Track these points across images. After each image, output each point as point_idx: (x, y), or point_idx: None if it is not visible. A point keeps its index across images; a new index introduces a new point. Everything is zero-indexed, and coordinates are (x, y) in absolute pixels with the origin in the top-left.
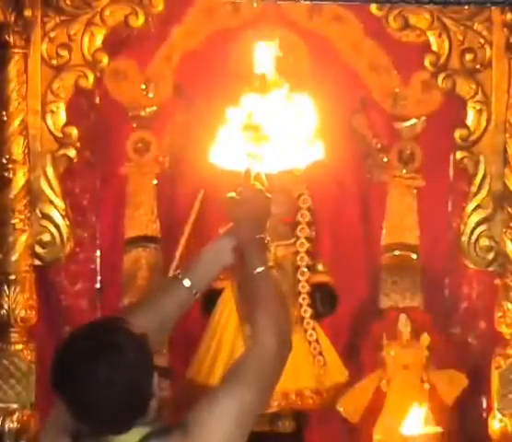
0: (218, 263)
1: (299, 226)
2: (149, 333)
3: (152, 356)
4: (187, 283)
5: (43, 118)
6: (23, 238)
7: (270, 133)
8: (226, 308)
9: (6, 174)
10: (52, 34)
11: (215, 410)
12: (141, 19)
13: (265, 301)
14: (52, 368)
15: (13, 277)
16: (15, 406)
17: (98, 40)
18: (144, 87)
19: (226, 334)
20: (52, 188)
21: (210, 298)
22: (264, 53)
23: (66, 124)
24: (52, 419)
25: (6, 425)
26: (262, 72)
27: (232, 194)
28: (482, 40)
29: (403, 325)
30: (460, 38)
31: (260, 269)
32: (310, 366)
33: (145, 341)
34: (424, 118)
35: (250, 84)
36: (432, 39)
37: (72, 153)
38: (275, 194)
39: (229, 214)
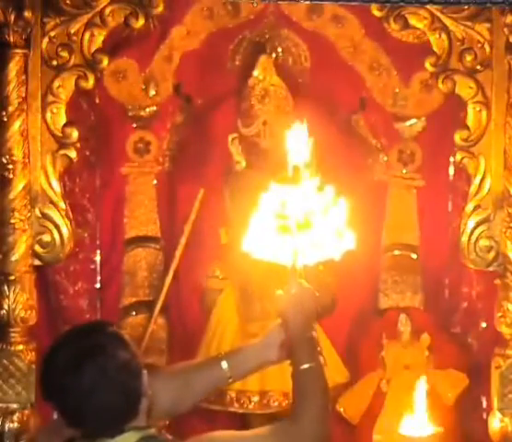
0: (262, 358)
1: None
2: (172, 400)
3: (137, 356)
4: (224, 365)
5: (43, 118)
6: (23, 238)
7: (305, 224)
8: (227, 307)
9: (6, 174)
10: (52, 34)
11: None
12: (141, 19)
13: (313, 396)
14: (39, 379)
15: (13, 277)
16: (15, 406)
17: (99, 41)
18: (144, 87)
19: (226, 334)
20: (52, 188)
21: (210, 298)
22: (298, 143)
23: (66, 124)
24: (48, 426)
25: (6, 425)
26: (296, 163)
27: (280, 292)
28: (482, 41)
29: (403, 325)
30: (460, 38)
31: (306, 365)
32: None
33: (129, 341)
34: (424, 118)
35: (283, 173)
36: (432, 39)
37: (72, 153)
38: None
39: (278, 311)
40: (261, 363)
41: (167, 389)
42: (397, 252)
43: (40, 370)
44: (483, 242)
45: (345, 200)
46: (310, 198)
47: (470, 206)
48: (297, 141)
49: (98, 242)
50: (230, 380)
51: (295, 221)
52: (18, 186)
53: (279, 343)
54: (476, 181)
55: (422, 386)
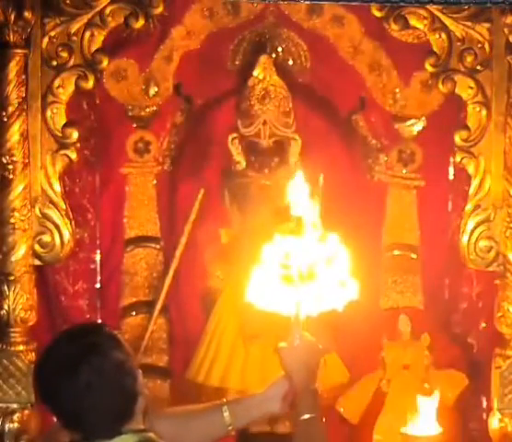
0: (264, 409)
1: None
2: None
3: (132, 356)
4: (225, 411)
5: (43, 118)
6: (23, 238)
7: (308, 275)
8: (226, 308)
9: (6, 174)
10: (52, 34)
11: None
12: (141, 20)
13: None
14: (34, 382)
15: (13, 277)
16: (15, 406)
17: (99, 41)
18: (144, 87)
19: (226, 335)
20: (52, 188)
21: (210, 298)
22: (301, 195)
23: (66, 124)
24: (49, 431)
25: (6, 425)
26: (299, 215)
27: (284, 344)
28: (482, 41)
29: (403, 325)
30: (460, 38)
31: (307, 416)
32: None
33: (123, 341)
34: (424, 118)
35: (285, 224)
36: (432, 39)
37: (72, 153)
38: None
39: (282, 363)
40: (263, 414)
41: (167, 431)
42: (397, 252)
43: (35, 372)
44: (483, 242)
45: (348, 250)
46: (313, 249)
47: (470, 206)
48: (300, 193)
49: (98, 242)
50: (230, 428)
51: (298, 272)
52: (18, 186)
53: (282, 395)
54: (476, 181)
55: (422, 386)
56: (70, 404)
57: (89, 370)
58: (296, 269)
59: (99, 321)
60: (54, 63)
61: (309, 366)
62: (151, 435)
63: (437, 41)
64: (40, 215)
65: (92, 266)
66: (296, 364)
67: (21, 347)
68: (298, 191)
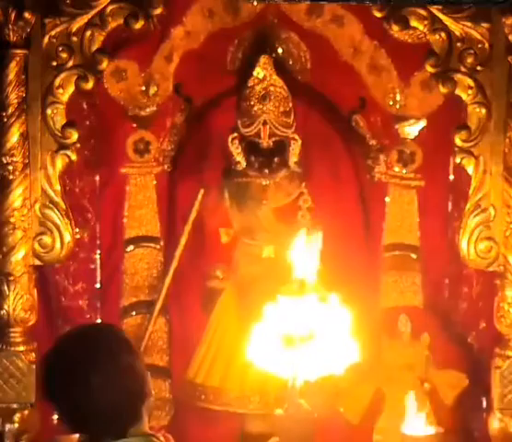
0: None
1: (300, 227)
2: None
3: (141, 357)
4: None
5: (43, 118)
6: (23, 238)
7: (308, 337)
8: (227, 308)
9: (7, 174)
10: (52, 34)
11: None
12: (141, 20)
13: None
14: (42, 377)
15: (13, 277)
16: (15, 406)
17: (99, 41)
18: (144, 87)
19: (227, 335)
20: (52, 188)
21: (210, 298)
22: (303, 257)
23: (66, 125)
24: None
25: (6, 425)
26: (302, 277)
27: (280, 411)
28: (482, 41)
29: (403, 325)
30: (460, 38)
31: None
32: None
33: (132, 343)
34: (424, 118)
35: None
36: (432, 39)
37: (72, 153)
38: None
39: (276, 430)
40: None
41: None
42: (397, 252)
43: (42, 370)
44: (483, 242)
45: (349, 311)
46: (314, 312)
47: (470, 206)
48: (303, 254)
49: (98, 242)
50: None
51: (298, 335)
52: (18, 186)
53: None
54: (476, 182)
55: (422, 386)
56: (76, 405)
57: (97, 372)
58: (296, 331)
59: (108, 322)
60: (54, 63)
61: (303, 435)
62: (157, 438)
63: (437, 42)
64: (40, 215)
65: (92, 266)
66: (289, 431)
67: (21, 347)
68: (301, 252)
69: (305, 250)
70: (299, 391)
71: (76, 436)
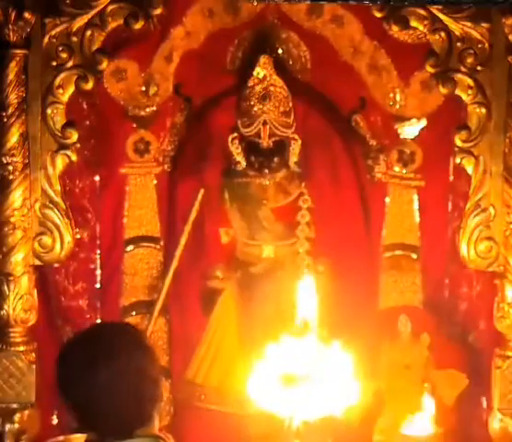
0: None
1: (299, 227)
2: None
3: (157, 362)
4: None
5: (43, 118)
6: (23, 238)
7: (308, 378)
8: (227, 308)
9: (7, 174)
10: (52, 34)
11: None
12: (141, 20)
13: None
14: (56, 372)
15: (13, 277)
16: (15, 406)
17: (99, 41)
18: (144, 87)
19: (226, 335)
20: (52, 188)
21: (210, 298)
22: (307, 297)
23: (66, 125)
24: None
25: (6, 425)
26: (304, 318)
27: None
28: (482, 40)
29: (403, 325)
30: (460, 38)
31: None
32: None
33: (149, 345)
34: (424, 118)
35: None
36: (432, 39)
37: (72, 153)
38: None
39: None
40: None
41: None
42: (397, 252)
43: (57, 364)
44: (483, 242)
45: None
46: (315, 353)
47: (470, 206)
48: (307, 295)
49: (98, 242)
50: None
51: (297, 375)
52: (19, 186)
53: None
54: (476, 182)
55: (422, 386)
56: (85, 403)
57: (109, 373)
58: (296, 370)
59: (127, 322)
60: (54, 63)
61: None
62: (164, 440)
63: (437, 42)
64: (40, 215)
65: (92, 266)
66: None
67: (21, 347)
68: (305, 292)
69: (308, 292)
70: (296, 432)
71: (77, 435)
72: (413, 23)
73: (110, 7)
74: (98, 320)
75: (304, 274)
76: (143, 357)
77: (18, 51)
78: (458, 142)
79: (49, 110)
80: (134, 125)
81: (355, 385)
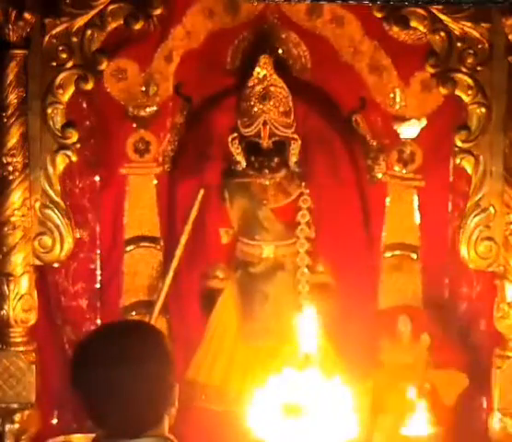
0: None
1: (299, 227)
2: None
3: (172, 367)
4: None
5: (43, 118)
6: (23, 238)
7: (308, 410)
8: (227, 308)
9: (6, 174)
10: (53, 34)
11: None
12: (141, 20)
13: None
14: (70, 365)
15: (13, 277)
16: (15, 406)
17: (98, 41)
18: (144, 87)
19: (227, 334)
20: (52, 188)
21: (210, 298)
22: (309, 330)
23: (66, 125)
24: None
25: (6, 425)
26: (307, 351)
27: None
28: (482, 40)
29: (403, 325)
30: (460, 38)
31: None
32: None
33: (169, 352)
34: (424, 118)
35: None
36: (432, 39)
37: (72, 153)
38: None
39: None
40: None
41: None
42: (397, 252)
43: (72, 358)
44: (483, 242)
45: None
46: (317, 385)
47: (469, 206)
48: (308, 327)
49: (98, 242)
50: None
51: (298, 406)
52: (19, 186)
53: None
54: (476, 181)
55: (422, 386)
56: (98, 402)
57: (122, 375)
58: (296, 401)
59: (147, 322)
60: (54, 63)
61: None
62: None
63: (437, 42)
64: (40, 215)
65: (92, 266)
66: None
67: (21, 347)
68: (307, 325)
69: (309, 325)
70: None
71: (77, 435)
72: (413, 23)
73: (110, 7)
74: (98, 321)
75: (305, 307)
76: (161, 362)
77: (18, 51)
78: (458, 142)
79: (49, 110)
80: (134, 125)
81: (355, 419)
